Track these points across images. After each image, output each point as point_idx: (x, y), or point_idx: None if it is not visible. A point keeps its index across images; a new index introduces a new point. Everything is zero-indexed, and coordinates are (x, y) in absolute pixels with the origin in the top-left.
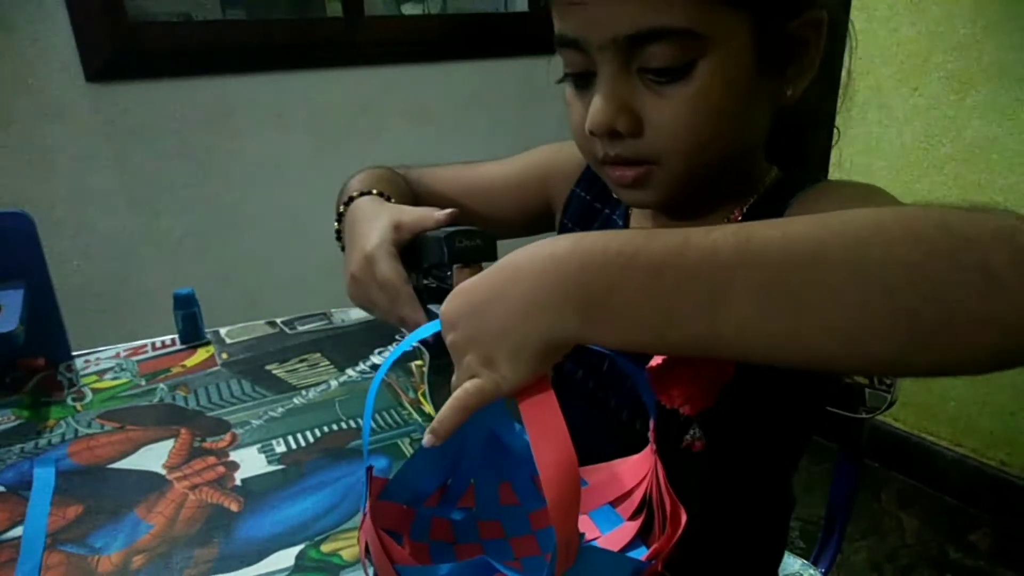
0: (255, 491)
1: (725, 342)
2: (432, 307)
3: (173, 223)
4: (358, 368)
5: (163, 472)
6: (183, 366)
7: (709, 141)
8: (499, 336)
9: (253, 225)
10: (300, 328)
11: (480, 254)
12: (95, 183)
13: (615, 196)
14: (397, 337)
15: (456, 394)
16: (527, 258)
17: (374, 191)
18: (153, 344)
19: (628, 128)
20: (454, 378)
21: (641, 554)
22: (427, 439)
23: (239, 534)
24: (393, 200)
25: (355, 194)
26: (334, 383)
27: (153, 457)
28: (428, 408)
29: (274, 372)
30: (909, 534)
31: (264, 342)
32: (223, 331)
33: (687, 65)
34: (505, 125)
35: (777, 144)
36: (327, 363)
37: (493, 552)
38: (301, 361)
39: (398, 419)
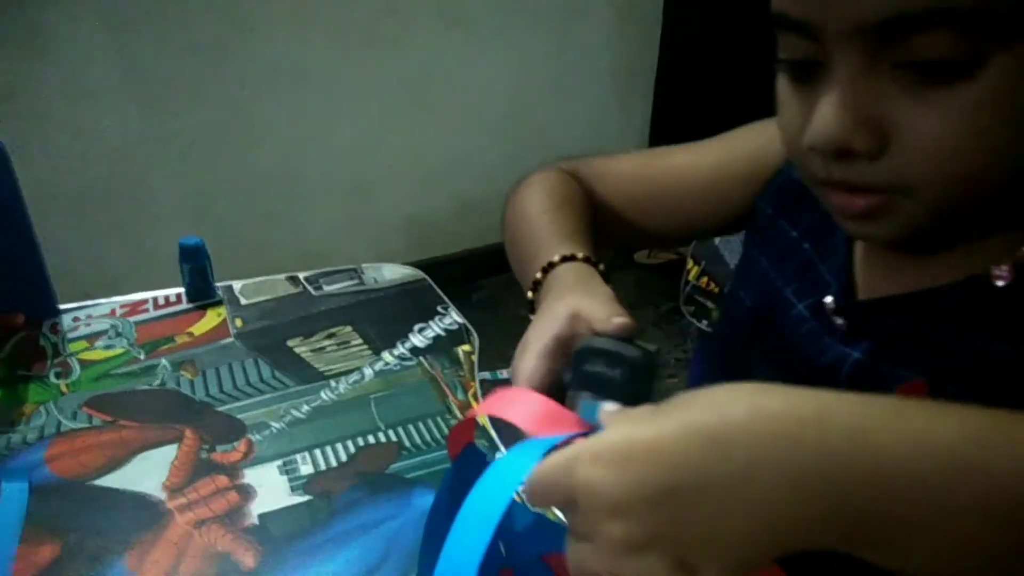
0: (274, 535)
1: None
2: (586, 399)
3: (182, 125)
4: (396, 352)
5: (162, 496)
6: (189, 334)
7: (985, 166)
8: (721, 546)
9: (270, 132)
10: (327, 288)
11: (613, 390)
12: (93, 76)
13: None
14: (441, 309)
15: None
16: (774, 442)
17: (579, 256)
18: (155, 301)
19: (869, 147)
20: (597, 557)
21: None
22: None
23: None
24: (600, 265)
25: (557, 259)
26: (368, 371)
27: (150, 470)
28: (483, 418)
29: (297, 351)
30: None
31: (285, 306)
32: (237, 287)
33: (973, 60)
34: (547, 33)
35: None
36: (359, 341)
37: None
38: (329, 337)
39: (446, 430)
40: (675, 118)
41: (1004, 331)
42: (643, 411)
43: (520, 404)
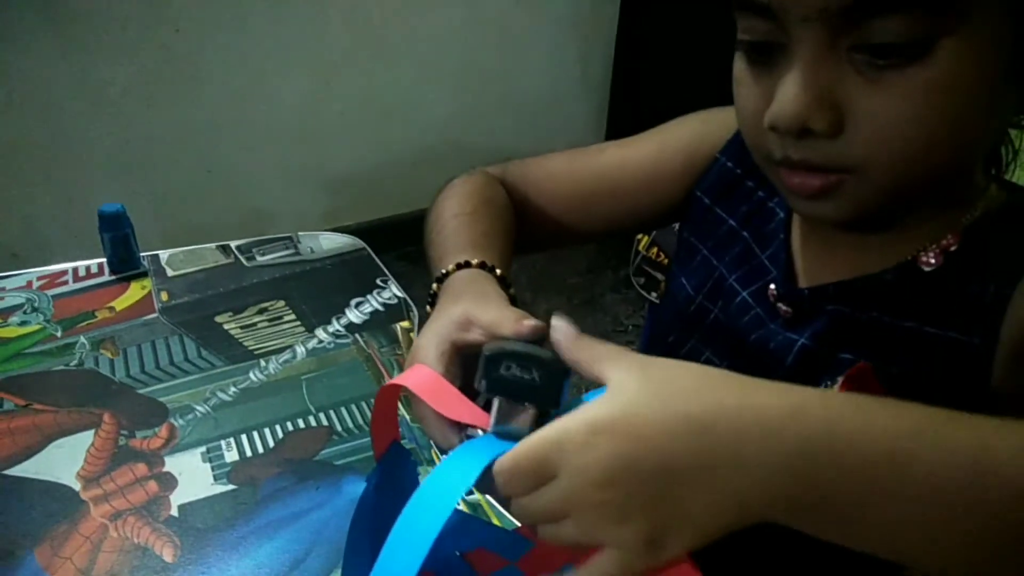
0: (195, 527)
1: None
2: (500, 401)
3: (114, 74)
4: (330, 329)
5: (77, 486)
6: (111, 309)
7: (930, 148)
8: (693, 522)
9: (210, 80)
10: (260, 259)
11: (531, 393)
12: (10, 18)
13: (787, 202)
14: (381, 282)
15: None
16: (759, 432)
17: (474, 262)
18: (76, 272)
19: (827, 126)
20: (575, 523)
21: None
22: None
23: None
24: (497, 268)
25: (451, 267)
26: (300, 350)
27: (65, 459)
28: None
29: (226, 327)
30: None
31: (214, 277)
32: (164, 256)
33: (924, 42)
34: None
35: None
36: (292, 317)
37: None
38: (260, 312)
39: None
40: (637, 70)
41: (934, 314)
42: (628, 383)
43: (433, 389)
